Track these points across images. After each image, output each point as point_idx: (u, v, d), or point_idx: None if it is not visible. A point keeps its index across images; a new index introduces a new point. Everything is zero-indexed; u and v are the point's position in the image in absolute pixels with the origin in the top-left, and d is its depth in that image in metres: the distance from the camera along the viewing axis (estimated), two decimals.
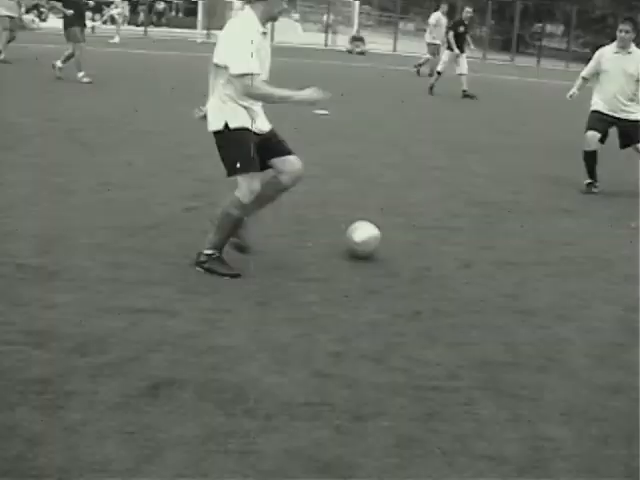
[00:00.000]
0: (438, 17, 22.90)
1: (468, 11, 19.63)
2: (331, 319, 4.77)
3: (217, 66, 5.19)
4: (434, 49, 22.99)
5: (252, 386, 3.83)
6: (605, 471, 3.43)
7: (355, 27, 33.62)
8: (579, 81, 9.60)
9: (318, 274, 5.55)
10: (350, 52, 30.59)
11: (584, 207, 8.40)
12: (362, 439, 3.46)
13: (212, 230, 5.39)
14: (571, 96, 9.56)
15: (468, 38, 19.60)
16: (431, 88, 19.02)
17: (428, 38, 23.38)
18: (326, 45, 33.62)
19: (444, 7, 23.39)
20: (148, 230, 6.26)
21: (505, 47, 40.14)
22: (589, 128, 9.18)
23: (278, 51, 23.75)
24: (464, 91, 18.78)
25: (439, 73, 18.97)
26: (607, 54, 9.28)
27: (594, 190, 9.18)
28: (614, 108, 9.17)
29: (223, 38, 5.23)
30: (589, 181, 9.28)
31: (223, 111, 5.20)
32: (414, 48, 35.94)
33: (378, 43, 34.29)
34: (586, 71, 9.55)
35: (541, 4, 43.05)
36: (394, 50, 34.10)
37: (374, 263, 5.88)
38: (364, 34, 34.73)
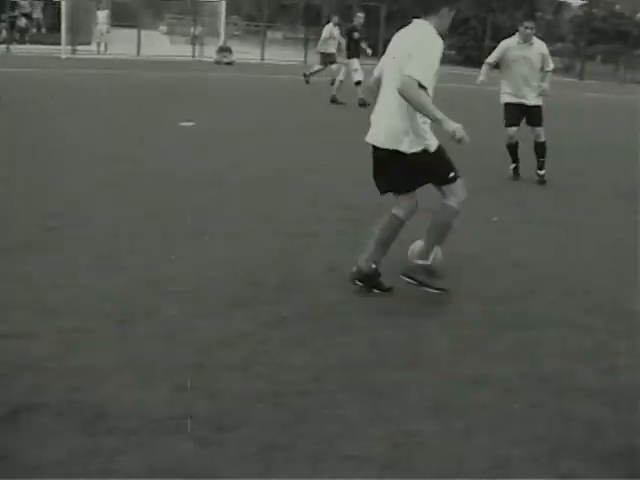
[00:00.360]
0: (330, 29, 22.62)
1: (360, 16, 19.50)
2: (194, 331, 4.74)
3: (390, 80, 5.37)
4: (326, 59, 22.92)
5: (114, 404, 3.78)
6: (470, 462, 3.51)
7: (222, 38, 33.54)
8: (484, 67, 10.81)
9: (181, 287, 5.51)
10: (218, 63, 30.50)
11: None
12: (226, 449, 3.45)
13: (426, 241, 5.78)
14: (479, 83, 10.90)
15: (363, 44, 19.55)
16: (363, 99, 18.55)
17: (320, 49, 23.34)
18: (194, 57, 33.44)
19: (335, 19, 23.34)
20: (7, 253, 6.10)
21: (372, 52, 40.65)
22: (508, 125, 10.52)
23: (145, 65, 23.71)
24: (361, 98, 18.56)
25: (358, 83, 18.73)
26: (512, 46, 10.49)
27: (516, 175, 10.73)
28: (521, 96, 10.44)
29: (408, 47, 5.29)
30: (514, 166, 10.77)
31: (418, 135, 5.40)
32: (282, 56, 36.19)
33: (246, 53, 34.30)
34: (492, 58, 10.73)
35: (406, 9, 43.82)
36: (262, 59, 34.19)
37: (239, 272, 5.87)
38: (232, 44, 34.71)
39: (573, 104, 24.34)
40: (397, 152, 5.44)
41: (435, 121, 5.21)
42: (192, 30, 37.94)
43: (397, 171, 5.56)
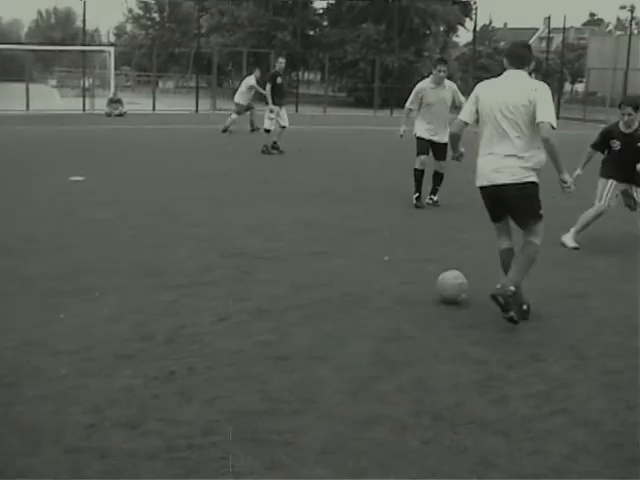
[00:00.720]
0: (253, 82, 23.27)
1: (281, 62, 19.49)
2: (84, 390, 4.64)
3: (516, 124, 5.97)
4: (242, 108, 23.69)
5: (0, 473, 3.67)
6: None
7: (112, 89, 33.26)
8: (404, 115, 12.01)
9: (70, 345, 5.39)
10: (109, 115, 30.19)
11: (338, 248, 8.64)
12: None
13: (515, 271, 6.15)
14: (401, 135, 11.99)
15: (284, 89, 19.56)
16: (266, 146, 18.64)
17: (237, 98, 23.92)
18: (84, 110, 33.05)
19: (257, 72, 23.89)
20: None
21: (262, 97, 40.86)
22: (419, 153, 11.66)
23: (34, 120, 23.28)
24: (274, 142, 18.68)
25: (283, 127, 18.71)
26: (427, 89, 11.48)
27: (419, 203, 11.59)
28: (433, 134, 11.51)
29: (528, 94, 5.94)
30: (417, 195, 11.66)
31: (534, 164, 6.03)
32: (173, 106, 36.07)
33: (137, 104, 34.09)
34: (410, 103, 11.76)
35: (296, 53, 44.32)
36: (153, 109, 34.00)
37: (128, 327, 5.79)
38: (124, 95, 34.47)
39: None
40: (524, 185, 6.05)
41: (558, 165, 6.04)
42: (82, 82, 37.52)
43: (524, 203, 6.18)
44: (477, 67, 51.31)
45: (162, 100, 37.94)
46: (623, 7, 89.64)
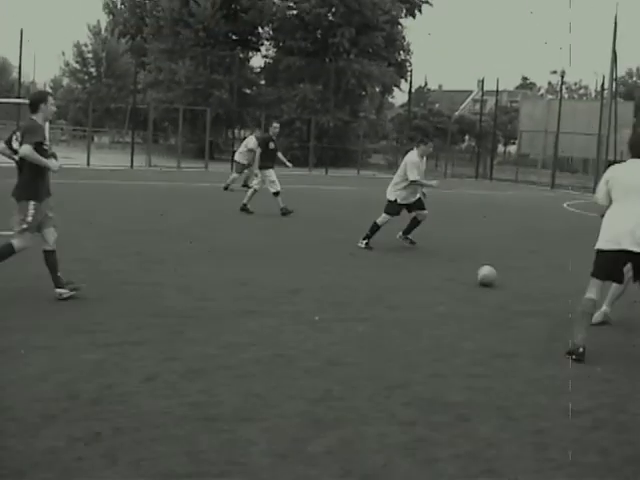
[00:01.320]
0: (254, 142, 22.76)
1: (276, 127, 19.24)
2: (6, 452, 4.53)
3: None
4: (241, 167, 24.19)
5: None
6: None
7: (47, 143, 32.95)
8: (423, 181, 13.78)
9: None
10: None
11: (269, 307, 8.62)
12: None
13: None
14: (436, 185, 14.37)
15: (279, 154, 19.43)
16: (284, 208, 18.39)
17: (237, 157, 24.34)
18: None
19: (257, 132, 25.03)
20: None
21: (199, 155, 40.98)
22: (391, 214, 13.62)
23: None
24: (283, 207, 18.44)
25: (277, 193, 18.47)
26: (417, 161, 13.60)
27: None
28: (412, 198, 13.75)
29: None
30: (366, 242, 13.50)
31: None
32: (109, 161, 35.91)
33: (72, 158, 33.82)
34: (413, 176, 13.39)
35: (232, 111, 44.55)
36: (88, 164, 33.77)
37: (53, 386, 5.68)
38: (59, 149, 34.15)
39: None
40: None
41: None
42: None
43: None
44: (412, 128, 52.20)
45: (97, 155, 37.76)
46: (554, 72, 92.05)
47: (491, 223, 20.17)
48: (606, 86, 47.39)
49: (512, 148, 72.43)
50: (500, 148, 75.11)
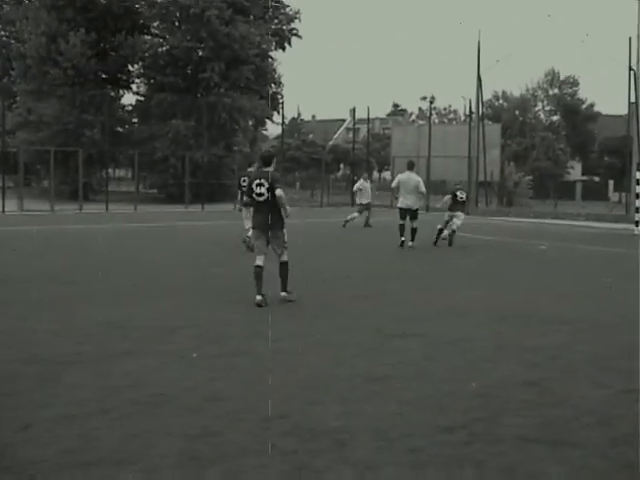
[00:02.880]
0: (361, 182, 29.01)
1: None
2: None
3: None
4: (362, 208, 28.33)
5: None
6: None
7: None
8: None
9: None
10: None
11: (147, 347, 8.55)
12: None
13: None
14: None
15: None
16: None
17: (358, 200, 28.78)
18: None
19: (365, 174, 30.85)
20: None
21: (73, 196, 40.30)
22: (400, 218, 20.76)
23: None
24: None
25: None
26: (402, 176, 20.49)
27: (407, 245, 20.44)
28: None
29: None
30: (402, 239, 20.29)
31: None
32: None
33: None
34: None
35: (104, 151, 44.08)
36: None
37: None
38: None
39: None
40: None
41: None
42: None
43: None
44: (286, 159, 52.63)
45: None
46: (424, 98, 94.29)
47: (369, 252, 20.49)
48: (473, 109, 49.01)
49: (387, 174, 73.74)
50: (375, 174, 76.43)
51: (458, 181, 27.02)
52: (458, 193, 21.73)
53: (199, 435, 5.77)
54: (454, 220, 21.46)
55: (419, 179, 21.11)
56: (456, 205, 21.67)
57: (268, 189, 11.28)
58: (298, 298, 11.59)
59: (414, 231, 20.77)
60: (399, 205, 21.22)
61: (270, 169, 11.51)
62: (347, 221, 27.89)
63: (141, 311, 10.73)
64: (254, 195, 11.43)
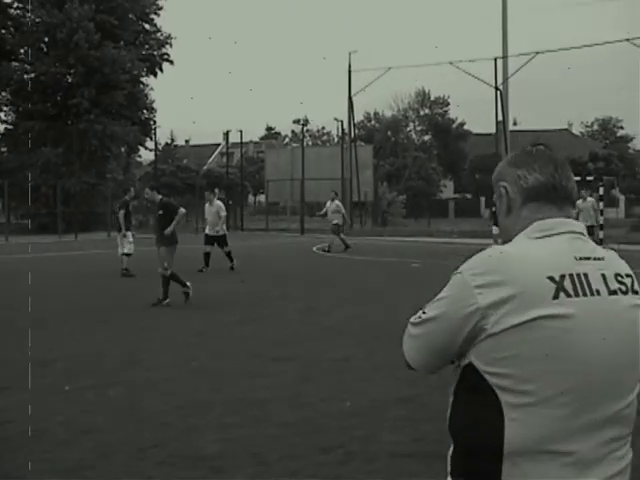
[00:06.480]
0: (337, 204, 28.01)
1: (132, 191, 21.32)
2: None
3: None
4: (336, 229, 27.55)
5: None
6: None
7: None
8: None
9: None
10: None
11: (20, 381, 8.16)
12: None
13: None
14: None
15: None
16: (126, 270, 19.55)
17: (331, 218, 27.66)
18: None
19: (332, 193, 28.84)
20: None
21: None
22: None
23: None
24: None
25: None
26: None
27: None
28: None
29: None
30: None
31: None
32: None
33: None
34: None
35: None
36: None
37: None
38: None
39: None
40: None
41: None
42: None
43: None
44: (162, 185, 52.06)
45: None
46: (297, 121, 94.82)
47: (244, 275, 20.46)
48: (346, 131, 49.69)
49: (262, 197, 73.89)
50: (250, 198, 76.50)
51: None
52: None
53: (72, 469, 5.66)
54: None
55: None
56: None
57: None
58: (179, 326, 11.50)
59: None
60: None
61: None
62: (329, 248, 27.67)
63: (11, 345, 10.38)
64: None
